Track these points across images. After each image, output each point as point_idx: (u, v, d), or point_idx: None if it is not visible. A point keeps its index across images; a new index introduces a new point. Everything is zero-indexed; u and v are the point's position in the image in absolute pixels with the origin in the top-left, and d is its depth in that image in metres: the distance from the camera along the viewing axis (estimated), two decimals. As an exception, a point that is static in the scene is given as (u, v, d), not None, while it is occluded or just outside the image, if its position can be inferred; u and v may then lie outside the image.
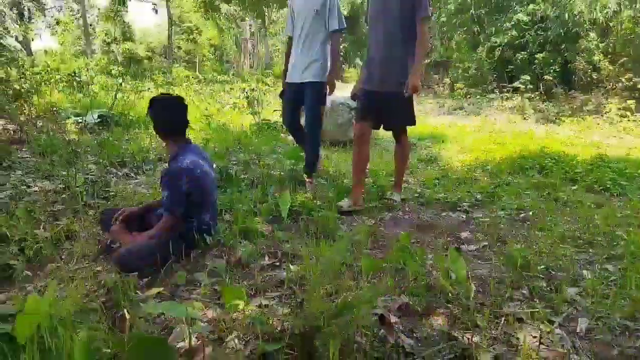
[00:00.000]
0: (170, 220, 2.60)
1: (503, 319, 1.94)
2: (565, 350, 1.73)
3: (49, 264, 2.61)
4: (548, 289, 2.24)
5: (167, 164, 2.97)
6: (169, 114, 2.69)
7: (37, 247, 2.74)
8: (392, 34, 3.42)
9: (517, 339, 1.80)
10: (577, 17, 11.62)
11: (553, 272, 2.44)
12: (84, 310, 1.96)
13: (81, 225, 3.10)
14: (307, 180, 3.96)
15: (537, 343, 1.76)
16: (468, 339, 1.79)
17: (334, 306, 1.85)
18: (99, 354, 1.71)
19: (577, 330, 1.90)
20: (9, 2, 14.51)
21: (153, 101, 2.71)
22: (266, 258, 2.67)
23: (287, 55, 4.26)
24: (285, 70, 4.22)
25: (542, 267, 2.47)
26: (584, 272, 2.47)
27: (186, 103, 2.77)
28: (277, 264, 2.62)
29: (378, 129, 3.87)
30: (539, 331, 1.84)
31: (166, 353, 1.58)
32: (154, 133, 2.98)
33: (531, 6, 12.79)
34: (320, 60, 3.95)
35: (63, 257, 2.72)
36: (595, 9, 11.14)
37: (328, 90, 4.02)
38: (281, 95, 4.28)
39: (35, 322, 1.62)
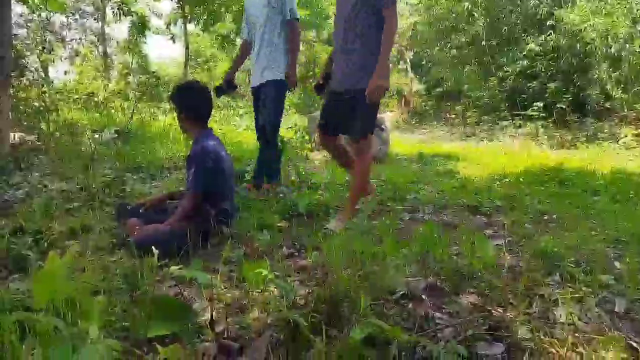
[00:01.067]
0: (193, 199, 2.57)
1: (537, 297, 1.85)
2: (606, 325, 1.63)
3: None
4: (581, 274, 2.14)
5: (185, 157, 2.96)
6: (195, 100, 2.70)
7: (52, 239, 2.70)
8: (351, 27, 2.88)
9: (554, 314, 1.71)
10: (589, 47, 11.70)
11: (584, 263, 2.34)
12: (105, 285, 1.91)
13: (97, 220, 3.07)
14: (265, 185, 3.70)
15: (576, 318, 1.66)
16: (502, 312, 1.70)
17: (359, 276, 1.79)
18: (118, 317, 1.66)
19: (616, 310, 1.80)
20: (32, 29, 15.07)
21: (178, 87, 2.73)
22: (284, 249, 2.61)
23: (237, 58, 4.25)
24: (232, 70, 4.19)
25: (572, 259, 2.38)
26: (616, 263, 2.37)
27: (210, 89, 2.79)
28: (296, 254, 2.56)
29: (342, 133, 3.25)
30: (577, 309, 1.74)
31: (187, 315, 1.53)
32: (176, 129, 2.94)
33: (542, 36, 12.93)
34: (280, 58, 3.73)
35: (78, 249, 2.67)
36: (606, 37, 11.22)
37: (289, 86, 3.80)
38: (215, 91, 4.08)
39: (54, 283, 1.56)
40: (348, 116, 2.95)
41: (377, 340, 1.38)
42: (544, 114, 11.49)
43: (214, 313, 1.64)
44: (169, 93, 2.82)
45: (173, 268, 2.12)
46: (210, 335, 1.56)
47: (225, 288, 2.04)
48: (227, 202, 2.72)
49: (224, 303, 1.77)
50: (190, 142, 2.92)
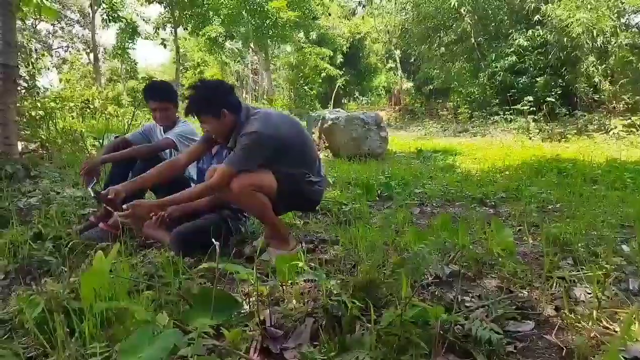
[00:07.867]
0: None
1: (556, 279, 1.95)
2: (623, 300, 1.73)
3: (85, 260, 2.60)
4: (592, 258, 2.25)
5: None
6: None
7: (73, 244, 2.73)
8: None
9: (575, 294, 1.81)
10: (576, 41, 11.92)
11: (593, 248, 2.45)
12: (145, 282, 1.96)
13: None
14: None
15: (600, 294, 1.76)
16: (527, 293, 1.80)
17: (391, 264, 1.87)
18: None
19: (630, 288, 1.91)
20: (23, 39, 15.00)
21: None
22: (303, 244, 2.68)
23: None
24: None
25: (582, 244, 2.48)
26: (624, 247, 2.48)
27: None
28: (315, 249, 2.64)
29: None
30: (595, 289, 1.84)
31: (233, 306, 1.60)
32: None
33: (530, 31, 13.15)
34: None
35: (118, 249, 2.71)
36: (592, 32, 11.44)
37: None
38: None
39: (100, 281, 1.63)
40: None
41: (417, 320, 1.47)
42: (534, 108, 11.70)
43: (254, 304, 1.71)
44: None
45: (203, 266, 2.20)
46: (253, 324, 1.64)
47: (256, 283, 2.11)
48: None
49: (261, 294, 1.84)
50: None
